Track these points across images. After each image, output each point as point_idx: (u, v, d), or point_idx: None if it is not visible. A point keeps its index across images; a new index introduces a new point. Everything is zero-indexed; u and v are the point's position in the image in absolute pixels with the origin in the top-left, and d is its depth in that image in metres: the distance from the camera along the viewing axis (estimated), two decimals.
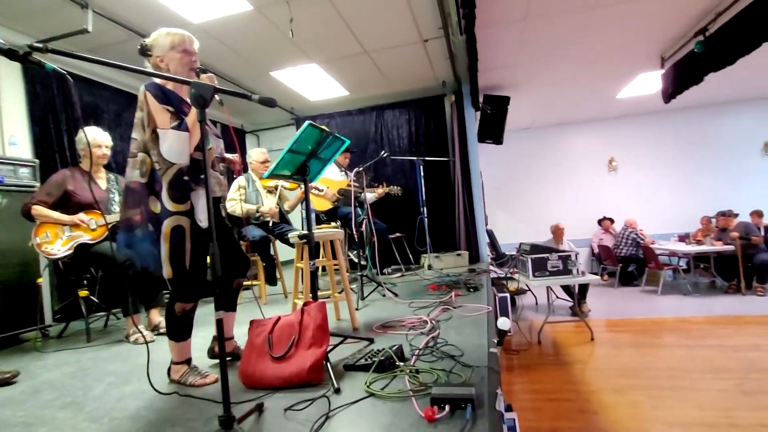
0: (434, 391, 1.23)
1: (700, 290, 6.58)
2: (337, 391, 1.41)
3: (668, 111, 7.79)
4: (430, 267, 4.49)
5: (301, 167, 1.81)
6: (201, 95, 1.21)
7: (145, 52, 1.68)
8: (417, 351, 1.73)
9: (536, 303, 6.35)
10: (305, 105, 5.82)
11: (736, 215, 6.56)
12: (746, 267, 6.06)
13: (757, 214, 6.60)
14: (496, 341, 1.80)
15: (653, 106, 7.23)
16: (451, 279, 3.63)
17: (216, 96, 1.34)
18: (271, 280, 3.58)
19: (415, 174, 4.96)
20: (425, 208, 4.54)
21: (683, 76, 4.56)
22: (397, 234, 5.16)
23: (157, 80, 1.66)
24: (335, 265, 2.49)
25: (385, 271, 4.52)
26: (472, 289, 3.07)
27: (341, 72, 4.84)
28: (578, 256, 4.42)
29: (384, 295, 3.15)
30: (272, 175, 1.78)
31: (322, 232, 2.34)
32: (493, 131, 5.74)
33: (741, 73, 5.82)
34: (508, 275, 4.95)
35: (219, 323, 1.21)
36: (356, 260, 3.71)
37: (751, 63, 4.77)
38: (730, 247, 6.11)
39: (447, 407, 1.17)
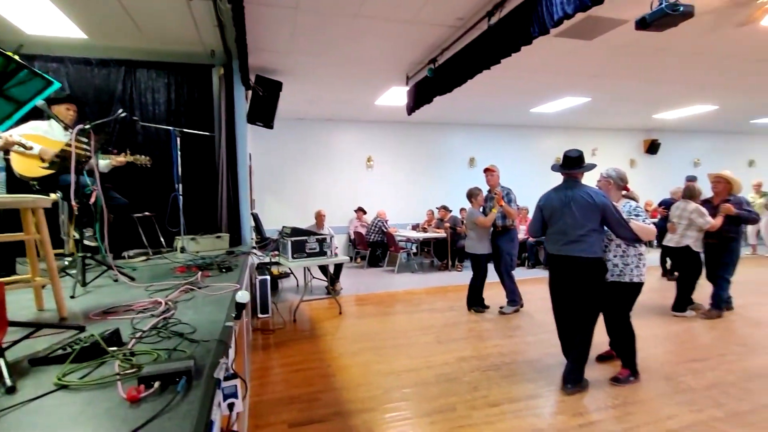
0: (145, 370, 1.14)
1: (423, 268, 8.31)
2: (11, 390, 1.12)
3: (411, 123, 9.47)
4: (183, 250, 4.11)
5: None
6: None
7: None
8: (139, 333, 1.55)
9: (297, 285, 6.69)
10: (19, 37, 4.36)
11: (450, 210, 8.55)
12: (453, 250, 7.99)
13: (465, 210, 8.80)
14: (234, 315, 1.80)
15: (402, 117, 8.62)
16: (204, 261, 3.42)
17: None
18: None
19: (171, 146, 4.43)
20: (181, 185, 4.12)
21: (420, 94, 5.61)
22: (146, 213, 4.51)
23: None
24: (39, 241, 1.97)
25: (125, 254, 3.88)
26: (224, 270, 2.97)
27: (77, 8, 3.85)
28: (333, 239, 4.88)
29: (116, 280, 2.71)
30: None
31: (13, 197, 1.81)
32: (264, 114, 5.69)
33: (456, 101, 7.59)
34: (270, 257, 5.03)
35: None
36: (84, 240, 3.04)
37: (462, 95, 6.28)
38: (443, 234, 7.94)
39: (157, 384, 1.10)
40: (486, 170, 5.23)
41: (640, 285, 3.18)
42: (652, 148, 11.73)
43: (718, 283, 4.75)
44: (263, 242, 5.92)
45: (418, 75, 5.70)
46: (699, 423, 2.62)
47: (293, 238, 4.54)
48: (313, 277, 5.75)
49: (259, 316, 5.02)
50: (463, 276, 7.47)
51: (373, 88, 6.66)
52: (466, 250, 5.26)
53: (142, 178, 4.44)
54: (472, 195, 5.16)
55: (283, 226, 5.14)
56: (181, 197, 4.13)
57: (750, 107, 8.99)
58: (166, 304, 2.00)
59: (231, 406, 1.34)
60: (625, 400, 2.92)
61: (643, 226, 3.10)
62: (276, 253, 5.05)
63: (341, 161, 9.32)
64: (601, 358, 3.57)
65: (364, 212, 9.05)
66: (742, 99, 8.10)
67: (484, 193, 5.28)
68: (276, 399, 3.03)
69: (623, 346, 3.26)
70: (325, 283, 6.12)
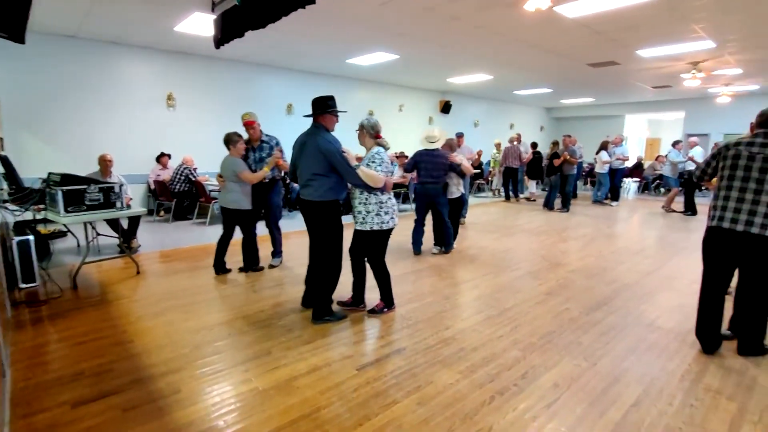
0: None
1: None
2: None
3: (223, 59, 8.55)
4: None
5: None
6: None
7: None
8: None
9: (78, 245, 5.55)
10: None
11: None
12: None
13: None
14: None
15: (210, 51, 7.65)
16: None
17: None
18: None
19: None
20: None
21: (228, 26, 5.01)
22: None
23: None
24: None
25: None
26: None
27: None
28: (124, 188, 4.15)
29: None
30: None
31: None
32: (6, 21, 4.21)
33: (272, 41, 7.15)
34: (34, 213, 4.01)
35: None
36: None
37: (279, 34, 5.89)
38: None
39: None
40: (246, 124, 4.62)
41: (381, 232, 3.31)
42: (446, 108, 13.55)
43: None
44: (22, 194, 4.62)
45: (226, 2, 5.06)
46: (467, 328, 3.35)
47: (66, 188, 3.66)
48: (99, 234, 4.85)
49: (22, 286, 4.01)
50: (283, 224, 7.45)
51: (171, 8, 5.65)
52: (226, 205, 4.50)
53: None
54: (230, 141, 4.44)
55: (50, 173, 4.08)
56: None
57: (514, 80, 11.19)
58: None
59: None
60: (416, 320, 3.49)
61: (370, 173, 3.10)
62: (41, 207, 4.02)
63: (133, 97, 7.79)
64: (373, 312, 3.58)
65: (169, 157, 7.94)
66: (508, 73, 10.00)
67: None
68: (53, 379, 2.53)
69: (380, 284, 3.52)
70: (117, 241, 5.24)
